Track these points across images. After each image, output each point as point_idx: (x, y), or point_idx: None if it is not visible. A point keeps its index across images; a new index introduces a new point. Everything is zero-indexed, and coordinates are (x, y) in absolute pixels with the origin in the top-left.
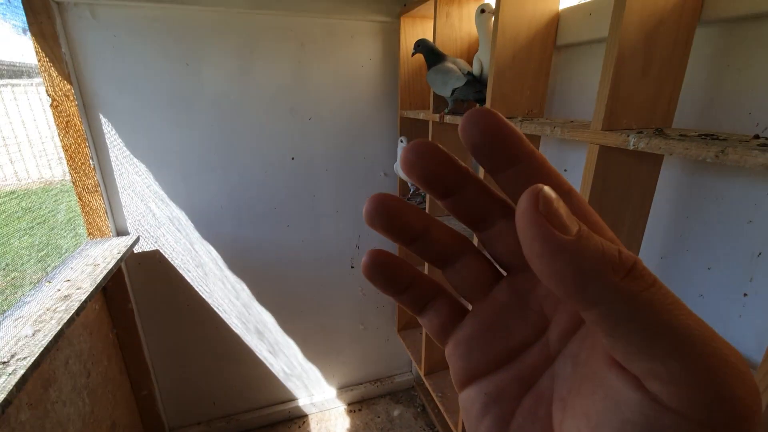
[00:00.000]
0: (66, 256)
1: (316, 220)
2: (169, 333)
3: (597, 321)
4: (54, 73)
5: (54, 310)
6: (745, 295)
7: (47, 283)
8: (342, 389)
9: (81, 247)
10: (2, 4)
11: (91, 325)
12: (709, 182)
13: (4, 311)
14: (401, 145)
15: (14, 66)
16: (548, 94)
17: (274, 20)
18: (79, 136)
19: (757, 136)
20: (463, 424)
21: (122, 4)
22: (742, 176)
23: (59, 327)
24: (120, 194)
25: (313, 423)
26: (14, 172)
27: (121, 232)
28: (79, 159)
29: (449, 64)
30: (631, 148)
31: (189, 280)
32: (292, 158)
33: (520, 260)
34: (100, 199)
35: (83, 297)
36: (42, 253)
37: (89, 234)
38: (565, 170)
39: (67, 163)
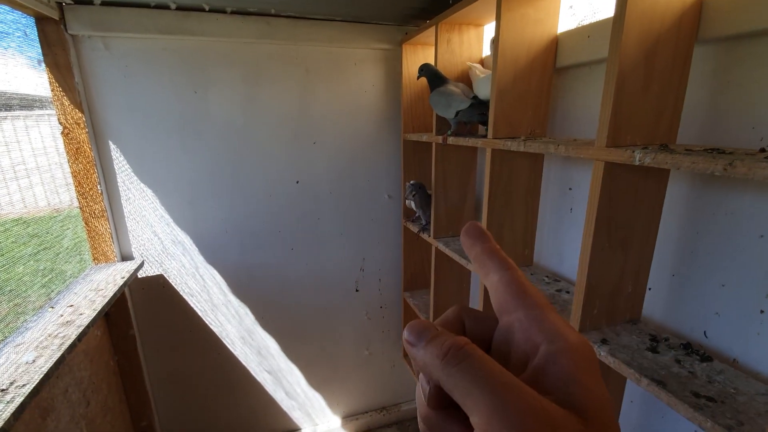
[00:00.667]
0: (70, 282)
1: (320, 243)
2: (170, 360)
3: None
4: (66, 102)
5: (55, 336)
6: (762, 312)
7: (50, 309)
8: (347, 418)
9: (85, 273)
10: (19, 37)
11: (93, 352)
12: (718, 197)
13: (6, 337)
14: (409, 188)
15: (28, 97)
16: (550, 115)
17: (280, 49)
18: (88, 163)
19: (763, 150)
20: None
21: (134, 36)
22: (750, 190)
23: (60, 353)
24: (126, 219)
25: None
26: (22, 198)
27: (126, 257)
28: (88, 185)
29: (452, 87)
30: (637, 163)
31: (192, 305)
32: (297, 182)
33: (503, 306)
34: (106, 224)
35: (85, 322)
36: (46, 279)
37: (94, 259)
38: (570, 189)
39: (76, 189)
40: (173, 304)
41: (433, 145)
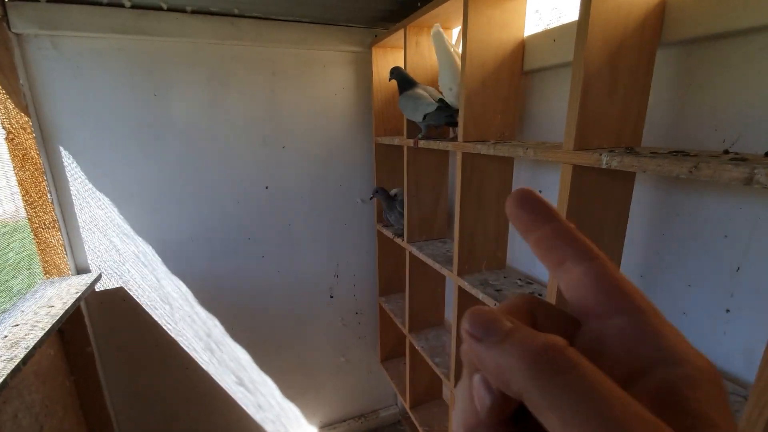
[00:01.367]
0: (17, 299)
1: (292, 249)
2: (133, 377)
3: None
4: (10, 105)
5: None
6: (727, 311)
7: None
8: (324, 428)
9: (35, 288)
10: None
11: (45, 373)
12: (681, 199)
13: None
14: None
15: None
16: (519, 118)
17: (246, 51)
18: (36, 170)
19: (726, 152)
20: None
21: (85, 35)
22: (712, 191)
23: (2, 379)
24: (81, 230)
25: None
26: None
27: (81, 270)
28: (36, 193)
29: (420, 91)
30: (604, 166)
31: (156, 318)
32: (266, 187)
33: (590, 308)
34: (58, 235)
35: (32, 344)
36: None
37: (45, 273)
38: (540, 191)
39: (23, 198)
40: (135, 318)
41: (405, 148)
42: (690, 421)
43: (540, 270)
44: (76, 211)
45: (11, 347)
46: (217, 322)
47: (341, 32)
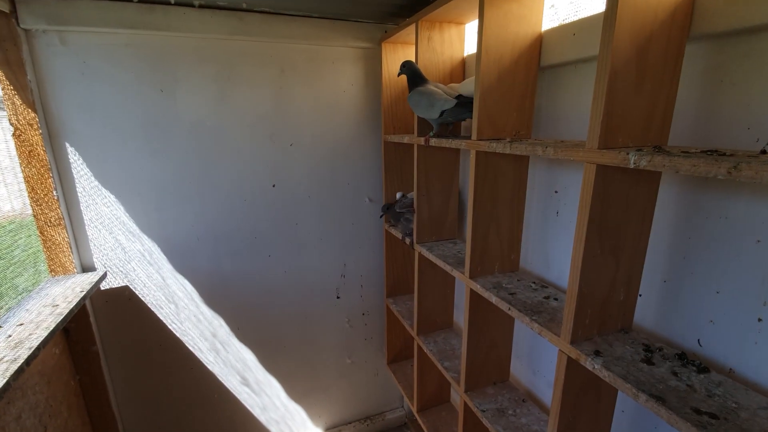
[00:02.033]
0: (23, 297)
1: (299, 249)
2: (138, 377)
3: None
4: (18, 101)
5: (1, 361)
6: (759, 320)
7: None
8: (329, 430)
9: (41, 286)
10: None
11: (50, 373)
12: (711, 201)
13: None
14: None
15: None
16: (535, 116)
17: (253, 46)
18: (42, 167)
19: (764, 151)
20: None
21: (93, 30)
22: (745, 194)
23: (5, 381)
24: (86, 227)
25: None
26: None
27: (87, 268)
28: (42, 191)
29: (432, 87)
30: (632, 166)
31: (161, 318)
32: (273, 185)
33: None
34: (63, 233)
35: (35, 343)
36: None
37: (51, 271)
38: (556, 192)
39: (29, 195)
40: (140, 317)
41: (415, 147)
42: None
43: (554, 273)
44: (81, 208)
45: (15, 347)
46: (222, 322)
47: (351, 28)
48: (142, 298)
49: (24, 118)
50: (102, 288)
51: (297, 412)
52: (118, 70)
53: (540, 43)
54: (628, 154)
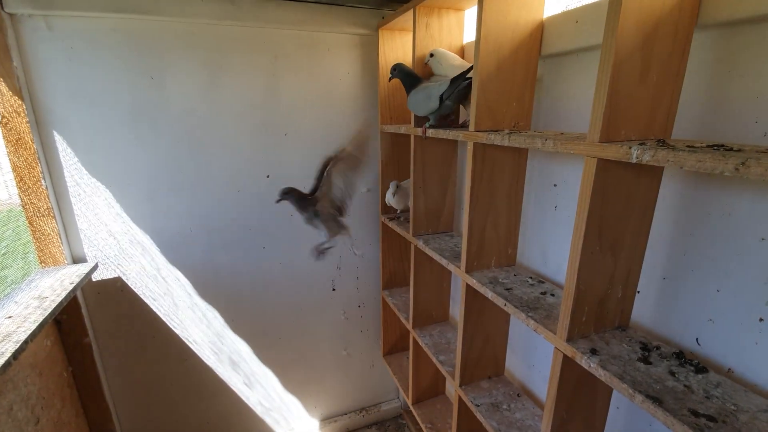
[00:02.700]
0: (12, 289)
1: (294, 241)
2: (132, 368)
3: None
4: (4, 89)
5: None
6: (761, 320)
7: None
8: (325, 421)
9: (30, 278)
10: None
11: (41, 365)
12: (714, 197)
13: None
14: (393, 188)
15: None
16: (534, 107)
17: (245, 32)
18: (30, 155)
19: None
20: None
21: (80, 15)
22: (750, 190)
23: None
24: (76, 218)
25: None
26: None
27: (78, 260)
28: (30, 180)
29: (427, 83)
30: (634, 161)
31: (155, 309)
32: (267, 176)
33: None
34: (53, 224)
35: (22, 337)
36: None
37: (41, 262)
38: (555, 185)
39: (17, 185)
40: (134, 308)
41: (412, 137)
42: None
43: (551, 268)
44: (71, 198)
45: (3, 340)
46: (216, 314)
47: (346, 13)
48: (135, 290)
49: (10, 106)
50: (94, 279)
51: (292, 403)
52: (106, 55)
53: (541, 30)
54: (630, 148)
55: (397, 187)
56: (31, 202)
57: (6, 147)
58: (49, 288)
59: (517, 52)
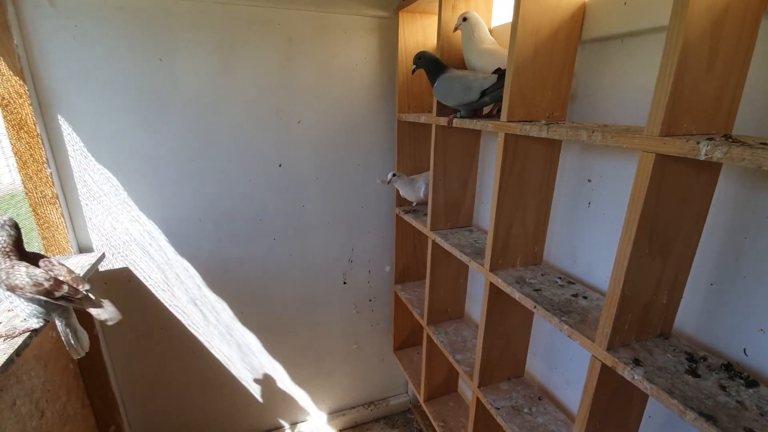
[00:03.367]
0: None
1: (305, 232)
2: (139, 359)
3: None
4: (4, 68)
5: None
6: None
7: None
8: (333, 414)
9: None
10: None
11: (46, 357)
12: None
13: None
14: (395, 178)
15: None
16: (570, 96)
17: (259, 12)
18: (33, 140)
19: None
20: None
21: None
22: None
23: None
24: (82, 206)
25: None
26: None
27: (84, 249)
28: (34, 166)
29: (459, 72)
30: (702, 158)
31: (162, 300)
32: (279, 165)
33: None
34: (58, 211)
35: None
36: None
37: (46, 251)
38: (589, 180)
39: (19, 171)
40: (141, 299)
41: (433, 127)
42: None
43: (581, 268)
44: (77, 185)
45: (5, 335)
46: (225, 306)
47: None
48: (143, 280)
49: (11, 87)
50: (100, 269)
51: (300, 395)
52: (112, 35)
53: (583, 13)
54: (698, 143)
55: (394, 175)
56: (35, 189)
57: (7, 131)
58: None
59: (556, 36)
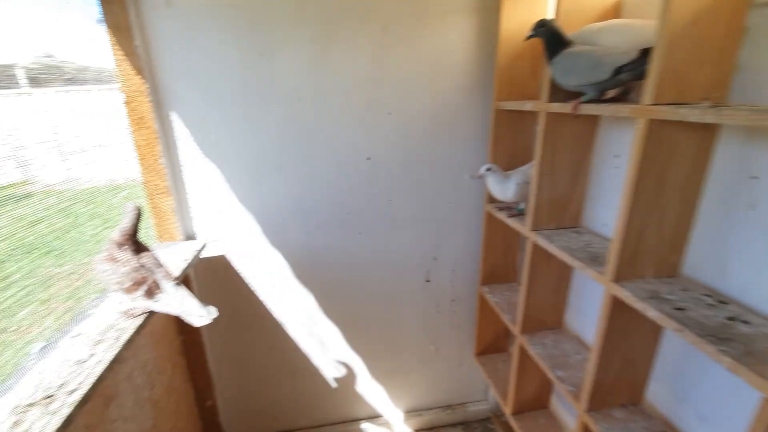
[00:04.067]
0: None
1: (390, 227)
2: (232, 341)
3: None
4: (128, 69)
5: (113, 328)
6: None
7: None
8: (409, 413)
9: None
10: None
11: (158, 333)
12: None
13: (65, 326)
14: (488, 173)
15: (87, 70)
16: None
17: (354, 1)
18: (150, 135)
19: None
20: None
21: None
22: None
23: (117, 352)
24: (188, 196)
25: None
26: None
27: (189, 236)
28: (151, 159)
29: (585, 46)
30: None
31: (253, 288)
32: (368, 158)
33: None
34: (170, 201)
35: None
36: None
37: (158, 237)
38: (755, 177)
39: (140, 163)
40: (235, 285)
41: (543, 116)
42: None
43: (734, 284)
44: (184, 177)
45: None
46: (311, 296)
47: None
48: (237, 268)
49: (134, 85)
50: (201, 256)
51: (378, 391)
52: (220, 32)
53: None
54: None
55: (488, 169)
56: (152, 180)
57: (130, 126)
58: (168, 263)
59: None
